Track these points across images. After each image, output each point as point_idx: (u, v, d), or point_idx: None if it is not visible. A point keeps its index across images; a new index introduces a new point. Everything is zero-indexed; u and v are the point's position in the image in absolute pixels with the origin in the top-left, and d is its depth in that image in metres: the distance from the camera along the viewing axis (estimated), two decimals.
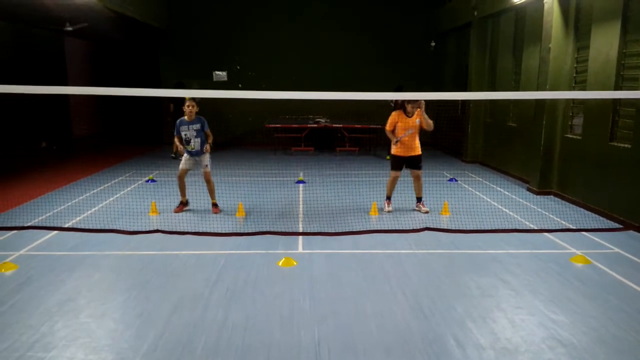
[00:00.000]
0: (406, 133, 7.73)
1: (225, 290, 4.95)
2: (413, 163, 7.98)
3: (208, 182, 7.86)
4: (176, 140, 7.78)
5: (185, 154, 7.82)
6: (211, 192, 7.96)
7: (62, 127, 17.23)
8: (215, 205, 7.96)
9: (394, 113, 7.95)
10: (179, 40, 16.75)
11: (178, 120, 7.76)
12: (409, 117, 7.79)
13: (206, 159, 7.81)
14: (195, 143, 7.67)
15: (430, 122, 7.84)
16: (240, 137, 16.59)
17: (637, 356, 3.82)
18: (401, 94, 7.63)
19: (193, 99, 7.66)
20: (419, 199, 8.13)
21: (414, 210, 8.10)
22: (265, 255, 5.96)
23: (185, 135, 7.66)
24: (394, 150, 7.97)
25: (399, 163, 8.00)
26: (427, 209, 8.05)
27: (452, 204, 8.31)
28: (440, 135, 13.50)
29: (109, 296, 4.85)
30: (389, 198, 8.14)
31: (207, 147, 7.76)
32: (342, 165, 12.87)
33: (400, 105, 7.96)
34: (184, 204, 7.96)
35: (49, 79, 15.22)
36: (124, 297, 4.83)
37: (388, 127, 7.97)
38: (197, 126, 7.64)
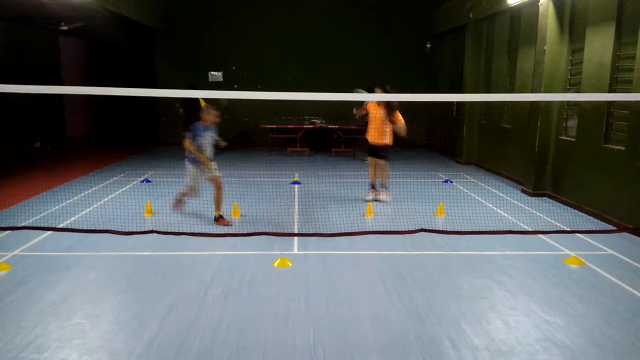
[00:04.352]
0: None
1: (220, 291, 4.94)
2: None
3: (218, 188, 7.18)
4: (188, 144, 7.02)
5: (190, 166, 7.14)
6: (217, 201, 7.22)
7: (56, 127, 17.14)
8: (219, 217, 7.25)
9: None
10: (174, 41, 16.72)
11: (197, 125, 7.01)
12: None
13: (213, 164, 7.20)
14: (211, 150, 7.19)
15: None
16: (236, 137, 16.56)
17: (632, 358, 3.84)
18: (386, 95, 7.54)
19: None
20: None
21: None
22: (260, 256, 5.96)
23: (203, 142, 7.01)
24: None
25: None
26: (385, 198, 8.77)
27: (446, 206, 8.33)
28: (435, 136, 13.55)
29: (103, 297, 4.84)
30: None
31: (222, 142, 7.30)
32: (337, 166, 12.88)
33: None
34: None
35: (44, 78, 15.14)
36: (118, 298, 4.81)
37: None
38: (215, 134, 7.09)
